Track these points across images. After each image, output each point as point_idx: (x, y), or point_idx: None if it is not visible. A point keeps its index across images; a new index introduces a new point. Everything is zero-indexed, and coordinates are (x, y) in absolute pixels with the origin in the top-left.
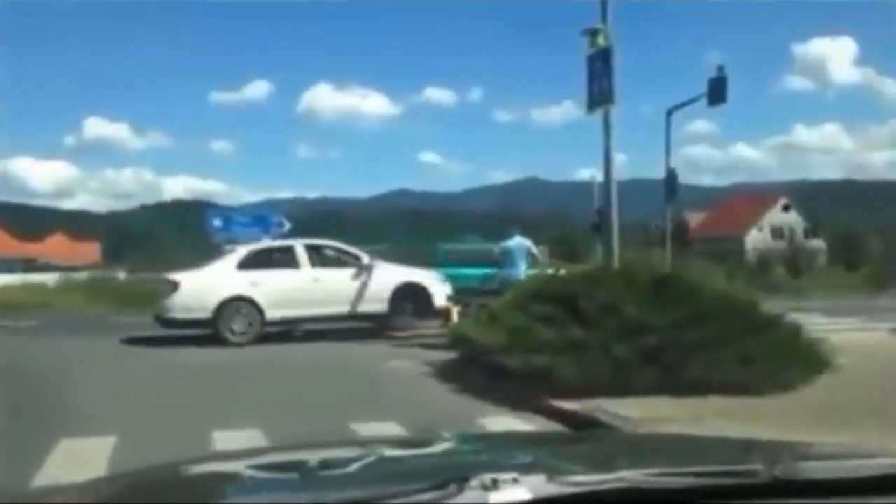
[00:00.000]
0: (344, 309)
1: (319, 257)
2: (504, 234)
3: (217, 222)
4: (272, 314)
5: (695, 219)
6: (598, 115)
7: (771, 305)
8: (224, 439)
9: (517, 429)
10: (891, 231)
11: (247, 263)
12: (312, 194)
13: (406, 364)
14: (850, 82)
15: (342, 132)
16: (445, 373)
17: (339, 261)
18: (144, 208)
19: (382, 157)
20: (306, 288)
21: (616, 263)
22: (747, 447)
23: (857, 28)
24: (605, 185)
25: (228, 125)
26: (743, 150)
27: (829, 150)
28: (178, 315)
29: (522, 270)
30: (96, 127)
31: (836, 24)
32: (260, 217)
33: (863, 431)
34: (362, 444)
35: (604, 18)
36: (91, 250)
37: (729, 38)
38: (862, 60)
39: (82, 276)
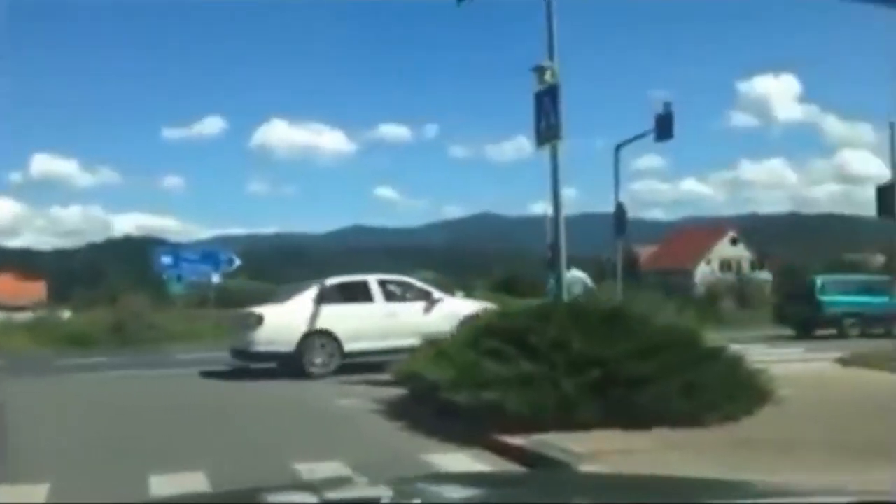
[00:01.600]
0: (417, 341)
1: (392, 291)
2: (459, 268)
3: (166, 259)
4: (350, 347)
5: (646, 252)
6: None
7: (718, 336)
8: (162, 484)
9: (463, 465)
10: (837, 262)
11: (325, 298)
12: (268, 230)
13: (354, 402)
14: (793, 119)
15: (297, 168)
16: (394, 410)
17: (410, 295)
18: (92, 246)
19: (338, 192)
20: (381, 321)
21: (566, 298)
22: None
23: (799, 66)
24: (553, 219)
25: (180, 161)
26: (692, 185)
27: (774, 184)
28: (263, 348)
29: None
30: (44, 163)
31: (778, 62)
32: (209, 254)
33: (803, 463)
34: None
35: (551, 56)
36: (37, 289)
37: (675, 76)
38: (804, 98)
39: (26, 316)
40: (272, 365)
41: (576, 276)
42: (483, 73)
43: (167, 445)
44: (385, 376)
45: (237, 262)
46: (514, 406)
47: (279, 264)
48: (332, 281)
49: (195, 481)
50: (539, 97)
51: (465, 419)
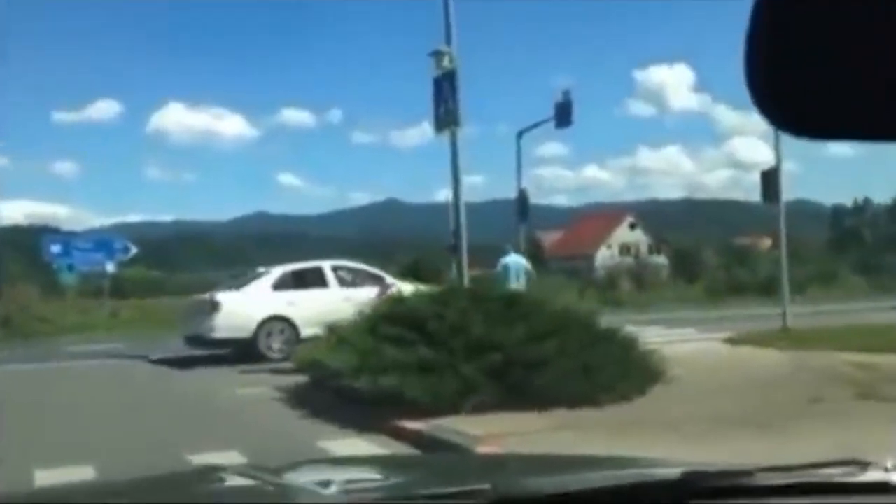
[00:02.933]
0: None
1: (345, 277)
2: (366, 255)
3: (55, 248)
4: (307, 332)
5: (549, 238)
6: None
7: (617, 319)
8: (46, 479)
9: (360, 451)
10: (728, 246)
11: (281, 284)
12: (166, 218)
13: (254, 390)
14: (687, 108)
15: (196, 153)
16: (294, 398)
17: (363, 280)
18: None
19: (240, 179)
20: (337, 306)
21: (466, 283)
22: (486, 463)
23: (693, 56)
24: (454, 206)
25: (73, 146)
26: (593, 172)
27: (670, 171)
28: (220, 335)
29: (523, 285)
30: None
31: (673, 52)
32: (103, 242)
33: (687, 439)
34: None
35: (448, 41)
36: None
37: (576, 65)
38: (698, 87)
39: None
40: (224, 351)
41: (518, 262)
42: (386, 57)
43: (57, 439)
44: (288, 364)
45: (133, 250)
46: (414, 391)
47: (179, 253)
48: (288, 268)
49: (83, 475)
50: (437, 82)
51: (365, 406)
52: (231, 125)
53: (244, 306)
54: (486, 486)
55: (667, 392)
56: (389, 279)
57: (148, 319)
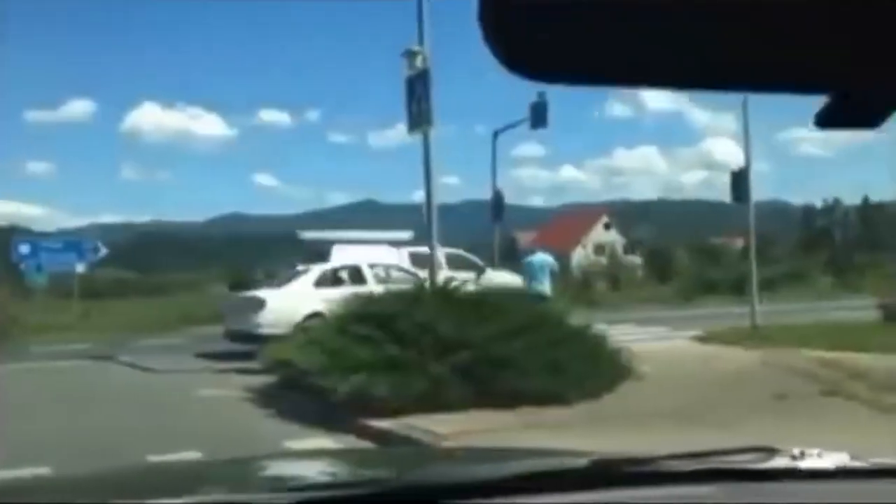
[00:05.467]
0: None
1: (382, 274)
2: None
3: (23, 248)
4: None
5: (525, 238)
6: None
7: (590, 318)
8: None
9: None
10: (701, 245)
11: (322, 282)
12: (141, 218)
13: (219, 391)
14: (663, 109)
15: (172, 153)
16: (261, 398)
17: (400, 276)
18: None
19: (216, 179)
20: None
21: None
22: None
23: None
24: (427, 205)
25: (46, 146)
26: (570, 172)
27: (645, 171)
28: (265, 330)
29: (547, 284)
30: None
31: None
32: (73, 243)
33: (652, 434)
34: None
35: (421, 41)
36: None
37: None
38: None
39: None
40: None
41: (544, 260)
42: (365, 58)
43: (14, 439)
44: (256, 364)
45: (103, 251)
46: (382, 390)
47: (154, 253)
48: (327, 266)
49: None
50: (410, 82)
51: (334, 405)
52: (207, 125)
53: (288, 303)
54: (387, 477)
55: (635, 389)
56: (422, 274)
57: (118, 321)
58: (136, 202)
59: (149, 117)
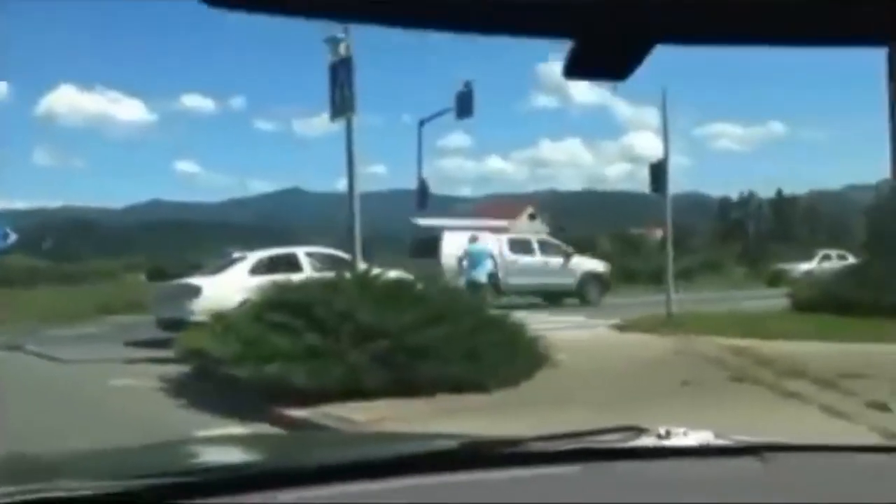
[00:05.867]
0: None
1: (318, 262)
2: (268, 245)
3: None
4: None
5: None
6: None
7: (512, 305)
8: None
9: None
10: (622, 236)
11: (258, 269)
12: (55, 204)
13: (130, 381)
14: (588, 101)
15: (89, 138)
16: (173, 388)
17: (335, 264)
18: None
19: (135, 165)
20: None
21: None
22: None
23: None
24: (349, 193)
25: None
26: (496, 163)
27: (571, 163)
28: (200, 318)
29: (484, 271)
30: None
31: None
32: None
33: (566, 420)
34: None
35: (344, 28)
36: None
37: (478, 55)
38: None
39: None
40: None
41: (482, 250)
42: (291, 45)
43: None
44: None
45: (13, 237)
46: (299, 379)
47: (68, 241)
48: (263, 254)
49: None
50: (333, 69)
51: (249, 394)
52: (127, 110)
53: (223, 291)
54: (247, 462)
55: (552, 376)
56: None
57: (29, 310)
58: (50, 188)
59: (65, 100)
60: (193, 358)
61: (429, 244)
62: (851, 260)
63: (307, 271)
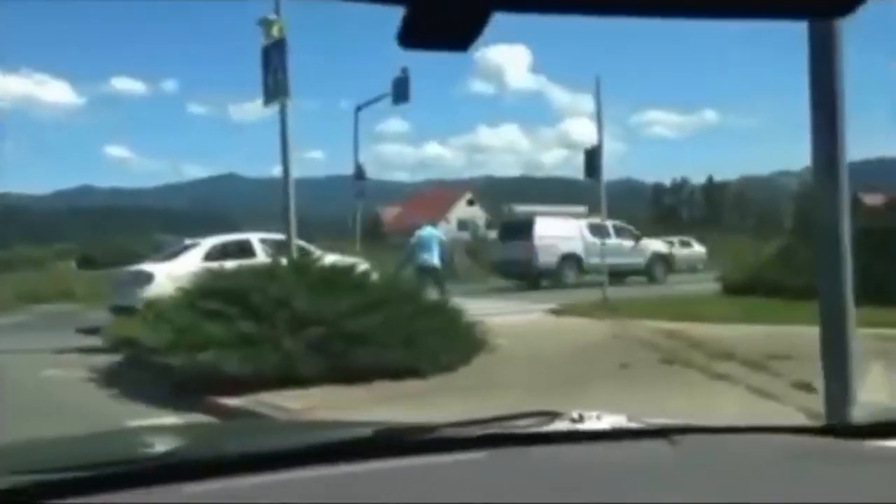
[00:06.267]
0: None
1: (272, 247)
2: (203, 231)
3: None
4: None
5: (390, 213)
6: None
7: (453, 291)
8: None
9: None
10: None
11: (212, 255)
12: None
13: (61, 371)
14: (525, 88)
15: (14, 122)
16: (107, 378)
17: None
18: None
19: (63, 150)
20: None
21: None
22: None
23: (530, 37)
24: (284, 178)
25: None
26: (434, 148)
27: (508, 149)
28: None
29: (436, 257)
30: None
31: (510, 32)
32: None
33: (502, 404)
34: None
35: (277, 10)
36: None
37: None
38: (535, 68)
39: None
40: None
41: (432, 235)
42: (222, 26)
43: None
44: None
45: None
46: (233, 367)
47: None
48: (218, 240)
49: None
50: (266, 52)
51: (183, 383)
52: (54, 92)
53: (176, 277)
54: (152, 453)
55: (489, 361)
56: (313, 250)
57: None
58: None
59: None
60: (125, 347)
61: (522, 227)
62: (696, 247)
63: (261, 257)
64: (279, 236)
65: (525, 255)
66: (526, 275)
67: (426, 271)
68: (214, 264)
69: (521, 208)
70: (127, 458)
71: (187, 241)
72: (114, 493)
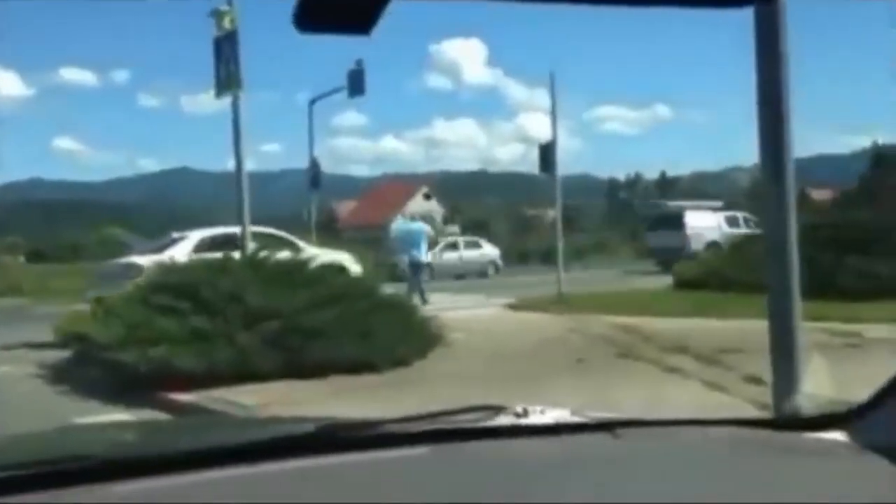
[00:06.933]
0: None
1: (261, 241)
2: (156, 226)
3: None
4: None
5: (346, 207)
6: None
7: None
8: None
9: None
10: (517, 216)
11: (200, 247)
12: None
13: (10, 367)
14: (481, 82)
15: None
16: (56, 374)
17: (277, 244)
18: None
19: (10, 142)
20: None
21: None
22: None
23: (485, 31)
24: (237, 171)
25: None
26: (391, 142)
27: (465, 143)
28: None
29: (424, 251)
30: None
31: (466, 26)
32: None
33: (455, 396)
34: None
35: (229, 1)
36: None
37: (373, 35)
38: (491, 62)
39: None
40: None
41: (419, 229)
42: (174, 14)
43: None
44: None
45: None
46: (186, 363)
47: None
48: (206, 233)
49: None
50: (218, 43)
51: (135, 379)
52: (2, 83)
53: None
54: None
55: (445, 355)
56: (301, 244)
57: None
58: None
59: None
60: (74, 342)
61: (673, 219)
62: (487, 247)
63: (249, 250)
64: (267, 230)
65: (679, 242)
66: (676, 259)
67: (413, 266)
68: (205, 256)
69: (672, 203)
70: (75, 454)
71: (174, 234)
72: (61, 490)
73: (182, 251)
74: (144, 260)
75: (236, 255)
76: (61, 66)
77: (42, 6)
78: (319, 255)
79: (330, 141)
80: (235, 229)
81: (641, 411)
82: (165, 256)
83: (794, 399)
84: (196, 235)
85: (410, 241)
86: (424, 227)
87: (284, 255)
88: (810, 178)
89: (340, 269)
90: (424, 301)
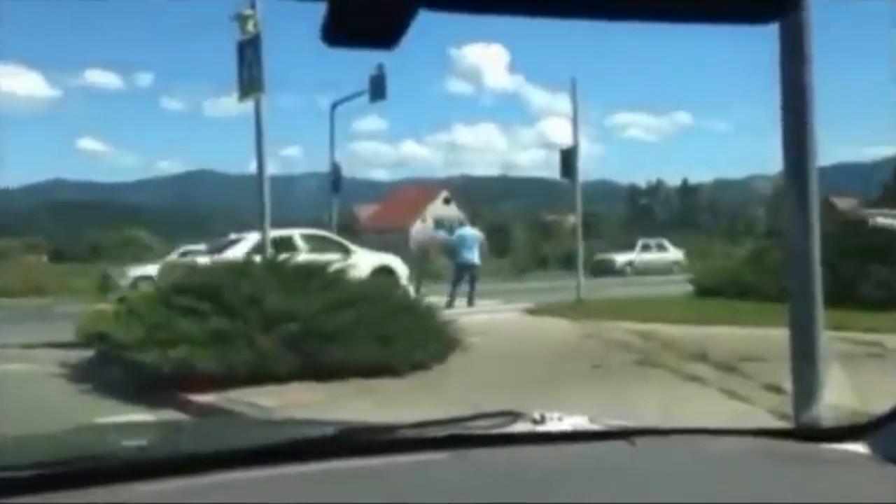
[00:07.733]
0: None
1: (314, 244)
2: (177, 227)
3: None
4: None
5: (366, 211)
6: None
7: (429, 290)
8: None
9: None
10: (537, 222)
11: (258, 249)
12: None
13: (28, 366)
14: (503, 87)
15: None
16: (79, 373)
17: (329, 247)
18: None
19: (35, 143)
20: None
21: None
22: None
23: (508, 36)
24: (259, 174)
25: None
26: (411, 147)
27: (485, 148)
28: None
29: (477, 255)
30: None
31: (488, 32)
32: None
33: (476, 401)
34: None
35: (253, 4)
36: None
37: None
38: (513, 68)
39: None
40: None
41: (473, 234)
42: (198, 19)
43: None
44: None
45: None
46: (206, 364)
47: None
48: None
49: None
50: (241, 47)
51: (155, 379)
52: (27, 84)
53: None
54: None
55: (464, 360)
56: (353, 247)
57: None
58: None
59: None
60: (96, 342)
61: None
62: (672, 250)
63: (304, 252)
64: (321, 232)
65: None
66: None
67: (466, 268)
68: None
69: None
70: (96, 454)
71: (233, 236)
72: (82, 490)
73: (240, 251)
74: (206, 260)
75: (270, 257)
76: (86, 68)
77: (67, 9)
78: (368, 257)
79: (350, 145)
80: (290, 232)
81: (659, 419)
82: (224, 256)
83: (815, 409)
84: (253, 237)
85: (466, 245)
86: (477, 234)
87: (334, 256)
88: (833, 186)
89: (389, 272)
90: (451, 304)
